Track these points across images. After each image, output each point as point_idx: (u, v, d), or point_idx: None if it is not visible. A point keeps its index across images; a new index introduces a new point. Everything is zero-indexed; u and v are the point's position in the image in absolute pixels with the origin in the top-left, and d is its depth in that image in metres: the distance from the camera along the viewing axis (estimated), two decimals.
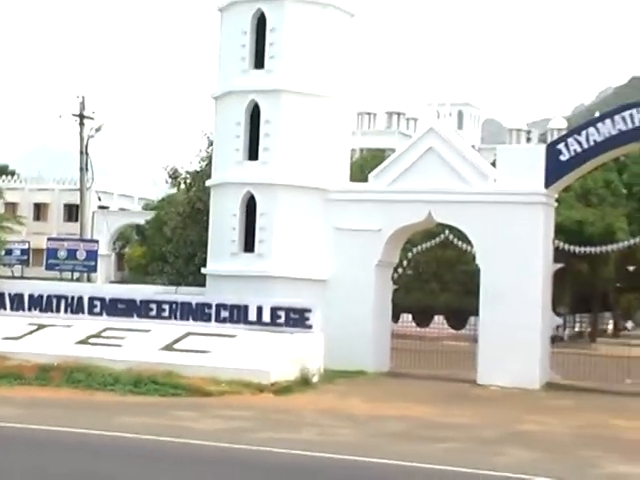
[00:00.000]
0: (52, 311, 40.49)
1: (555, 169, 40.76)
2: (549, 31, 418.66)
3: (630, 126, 40.00)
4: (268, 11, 42.28)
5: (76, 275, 60.65)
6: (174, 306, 39.55)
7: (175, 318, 39.14)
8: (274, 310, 38.09)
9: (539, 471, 22.31)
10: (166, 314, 39.39)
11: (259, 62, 42.57)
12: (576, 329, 65.51)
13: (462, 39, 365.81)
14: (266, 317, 38.11)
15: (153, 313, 39.60)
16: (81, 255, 58.61)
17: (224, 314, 38.66)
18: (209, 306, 39.06)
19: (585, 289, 64.19)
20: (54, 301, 40.70)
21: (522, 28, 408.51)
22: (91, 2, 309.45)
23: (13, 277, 71.55)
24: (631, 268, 63.39)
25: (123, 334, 37.88)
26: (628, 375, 41.39)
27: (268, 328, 37.75)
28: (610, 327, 72.67)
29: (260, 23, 42.53)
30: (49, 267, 60.38)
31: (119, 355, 35.79)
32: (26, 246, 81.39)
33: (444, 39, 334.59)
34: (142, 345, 36.68)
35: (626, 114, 40.28)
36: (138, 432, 23.56)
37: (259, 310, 38.20)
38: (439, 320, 61.76)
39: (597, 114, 47.05)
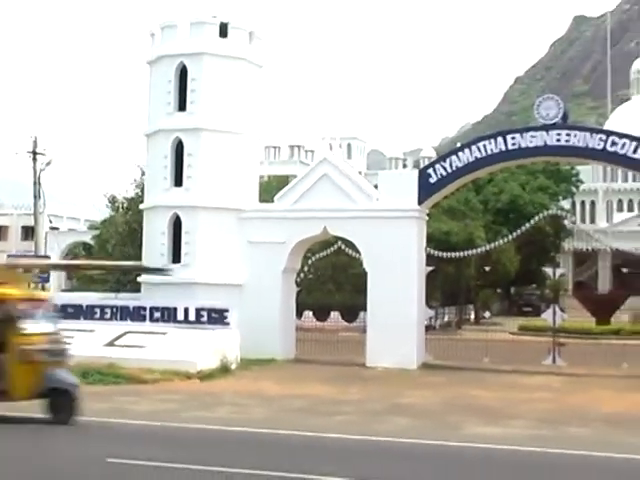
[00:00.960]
0: None
1: (426, 190, 41.24)
2: (422, 75, 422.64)
3: (484, 154, 40.70)
4: (189, 64, 42.35)
5: (32, 285, 60.00)
6: (114, 309, 39.60)
7: (115, 319, 39.12)
8: (198, 311, 38.26)
9: (415, 434, 22.87)
10: (108, 316, 39.34)
11: (182, 106, 42.58)
12: (445, 319, 66.02)
13: (352, 82, 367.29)
14: (191, 317, 38.29)
15: (97, 315, 39.49)
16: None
17: (156, 315, 38.75)
18: (144, 309, 39.09)
19: (452, 286, 64.87)
20: None
21: (399, 72, 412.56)
22: (39, 52, 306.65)
23: None
24: (487, 268, 64.27)
25: (72, 334, 37.02)
26: (486, 355, 41.81)
27: (193, 326, 37.94)
28: (472, 316, 73.33)
29: (182, 73, 42.57)
30: None
31: (70, 351, 35.57)
32: None
33: (337, 82, 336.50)
34: (88, 342, 36.37)
35: (480, 145, 41.01)
36: (88, 415, 23.41)
37: (186, 311, 38.35)
38: (335, 315, 61.91)
39: (458, 144, 47.58)
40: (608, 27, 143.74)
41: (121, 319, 39.09)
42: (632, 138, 40.33)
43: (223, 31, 42.92)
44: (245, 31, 43.70)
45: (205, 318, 38.22)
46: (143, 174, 51.22)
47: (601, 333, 55.46)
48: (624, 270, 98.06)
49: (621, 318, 61.62)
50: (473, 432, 23.83)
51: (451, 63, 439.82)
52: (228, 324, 38.14)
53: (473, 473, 19.06)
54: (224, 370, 36.13)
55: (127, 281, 51.10)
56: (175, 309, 38.62)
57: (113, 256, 60.87)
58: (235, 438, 22.48)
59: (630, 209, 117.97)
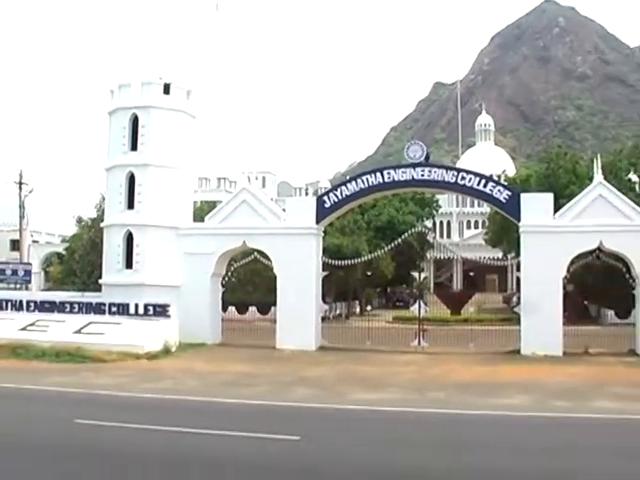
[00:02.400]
0: (2, 309, 39.57)
1: (322, 212, 41.41)
2: (321, 122, 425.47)
3: (367, 185, 41.14)
4: (140, 114, 42.00)
5: (18, 286, 59.00)
6: (81, 305, 39.10)
7: (82, 313, 38.53)
8: (146, 306, 38.05)
9: (314, 400, 22.92)
10: (76, 310, 38.75)
11: (134, 146, 42.14)
12: (337, 312, 66.12)
13: (266, 127, 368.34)
14: (141, 311, 38.01)
15: (67, 309, 38.90)
16: (21, 273, 57.29)
17: (114, 309, 38.36)
18: (104, 304, 38.68)
19: (342, 287, 65.14)
20: (3, 303, 39.84)
21: (303, 120, 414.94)
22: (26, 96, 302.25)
23: None
24: (369, 273, 64.76)
25: (48, 323, 37.28)
26: (368, 339, 42.03)
27: (142, 318, 37.70)
28: (358, 310, 73.57)
29: (135, 122, 42.16)
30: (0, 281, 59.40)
31: (46, 337, 35.37)
32: None
33: (255, 127, 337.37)
34: (60, 330, 36.21)
35: (364, 178, 41.45)
36: (59, 386, 23.18)
37: (136, 306, 38.08)
38: (252, 309, 61.83)
39: (347, 177, 47.87)
40: (458, 91, 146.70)
41: (86, 312, 38.52)
42: (476, 174, 41.06)
43: (166, 89, 42.69)
44: (184, 89, 43.54)
45: (151, 312, 37.99)
46: (103, 199, 50.61)
47: (454, 321, 56.14)
48: (471, 274, 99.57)
49: (469, 310, 62.49)
50: (358, 397, 24.03)
51: (343, 114, 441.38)
52: (169, 316, 37.98)
53: (356, 427, 19.29)
54: (166, 352, 35.90)
55: (90, 283, 50.50)
56: (128, 305, 38.27)
57: (80, 263, 60.70)
58: (174, 404, 22.43)
59: (476, 227, 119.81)
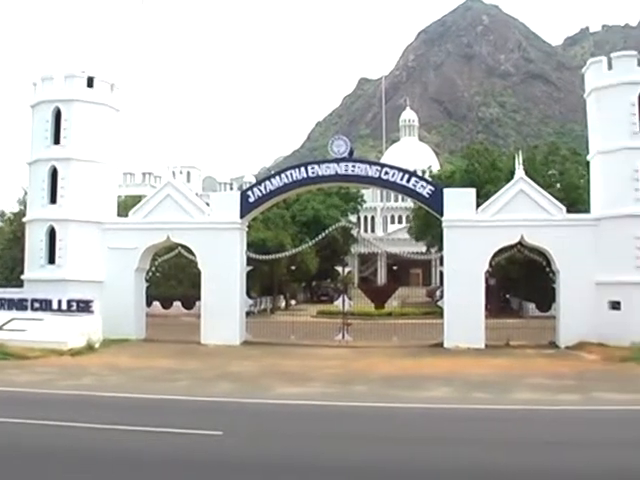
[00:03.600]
0: None
1: (246, 207, 41.42)
2: (248, 116, 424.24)
3: (291, 180, 41.31)
4: (62, 107, 41.39)
5: None
6: (2, 301, 38.61)
7: (3, 309, 38.07)
8: (69, 302, 37.74)
9: (238, 394, 22.98)
10: None
11: (57, 140, 41.51)
12: (262, 306, 66.14)
13: (192, 121, 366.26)
14: (64, 306, 37.69)
15: None
16: None
17: (36, 305, 37.99)
18: (26, 300, 38.24)
19: (267, 281, 65.15)
20: None
21: (230, 113, 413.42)
22: None
23: None
24: (294, 267, 64.92)
25: None
26: (293, 333, 42.19)
27: (65, 314, 37.33)
28: (283, 304, 73.70)
29: (57, 115, 41.54)
30: None
31: None
32: None
33: (180, 121, 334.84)
34: None
35: (288, 172, 41.72)
36: None
37: (59, 302, 37.73)
38: (177, 304, 61.55)
39: (272, 172, 47.92)
40: (383, 87, 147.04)
41: (8, 309, 37.98)
42: (399, 169, 41.50)
43: (90, 83, 42.14)
44: (107, 83, 43.03)
45: (74, 307, 37.65)
46: (26, 194, 49.77)
47: (378, 315, 56.44)
48: (395, 268, 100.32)
49: (393, 304, 63.00)
50: (281, 392, 24.17)
51: (269, 109, 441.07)
52: (92, 312, 37.70)
53: (279, 422, 19.39)
54: (89, 348, 35.57)
55: (12, 278, 49.57)
56: (51, 300, 37.83)
57: (2, 258, 59.41)
58: (96, 400, 22.28)
59: (400, 222, 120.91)
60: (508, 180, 42.56)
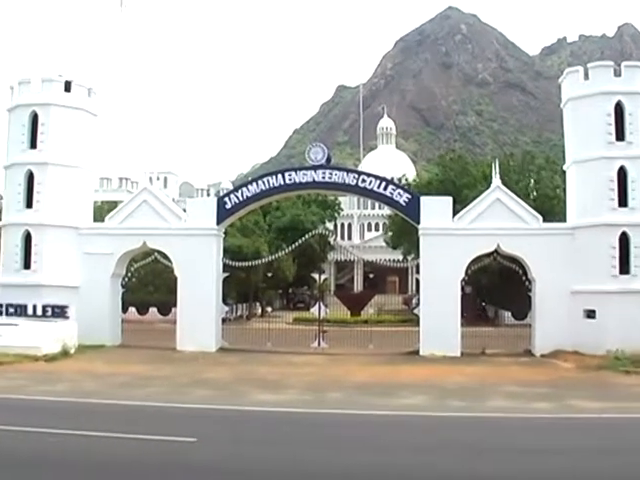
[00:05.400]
0: None
1: (223, 213, 41.40)
2: (225, 123, 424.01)
3: (268, 187, 41.41)
4: (39, 112, 41.19)
5: None
6: None
7: None
8: (44, 307, 37.62)
9: (213, 401, 22.96)
10: None
11: (33, 144, 41.30)
12: (238, 313, 66.02)
13: (169, 127, 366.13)
14: (39, 312, 37.56)
15: None
16: None
17: (11, 310, 37.80)
18: (1, 305, 38.17)
19: (243, 288, 65.00)
20: None
21: (207, 119, 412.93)
22: None
23: None
24: (270, 274, 64.86)
25: None
26: (269, 340, 42.16)
27: (40, 319, 37.12)
28: (259, 311, 73.55)
29: (34, 119, 41.34)
30: None
31: None
32: None
33: (157, 127, 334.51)
34: None
35: (265, 179, 41.82)
36: None
37: (34, 307, 37.59)
38: (153, 310, 61.39)
39: (249, 179, 47.90)
40: (361, 95, 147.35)
41: None
42: (376, 177, 41.61)
43: (67, 87, 41.98)
44: (85, 88, 42.89)
45: (49, 313, 37.51)
46: (1, 198, 49.52)
47: (354, 322, 56.39)
48: (371, 275, 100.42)
49: (369, 311, 63.06)
50: (257, 399, 24.13)
51: (247, 115, 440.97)
52: (68, 317, 37.59)
53: (254, 428, 19.39)
54: (64, 354, 35.33)
55: None
56: (26, 306, 37.65)
57: None
58: (69, 406, 22.17)
59: (377, 229, 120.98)
60: (482, 184, 42.79)
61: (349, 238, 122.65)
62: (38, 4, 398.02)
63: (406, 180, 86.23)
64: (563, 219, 40.85)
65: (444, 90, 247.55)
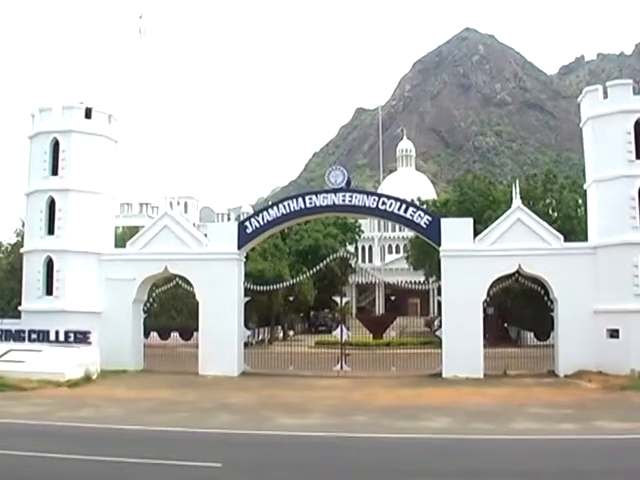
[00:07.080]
0: None
1: (244, 237, 41.54)
2: (245, 147, 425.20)
3: (288, 210, 41.54)
4: (60, 139, 41.68)
5: None
6: (0, 332, 38.46)
7: (1, 340, 38.14)
8: (67, 333, 37.80)
9: (237, 426, 22.86)
10: None
11: (54, 171, 41.76)
12: (260, 337, 65.96)
13: (189, 153, 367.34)
14: (61, 337, 37.79)
15: None
16: None
17: (34, 336, 38.06)
18: (24, 332, 38.36)
19: (265, 312, 65.01)
20: None
21: (228, 144, 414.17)
22: None
23: None
24: (292, 298, 64.76)
25: None
26: (291, 364, 42.07)
27: (63, 345, 37.38)
28: (281, 335, 73.44)
29: (55, 146, 41.86)
30: None
31: None
32: None
33: (178, 153, 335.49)
34: None
35: (285, 203, 42.01)
36: None
37: (57, 333, 37.81)
38: (175, 335, 61.38)
39: (269, 203, 47.95)
40: (380, 117, 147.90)
41: (5, 340, 38.14)
42: (396, 199, 41.62)
43: (88, 114, 42.42)
44: (105, 114, 43.31)
45: (72, 338, 37.70)
46: (23, 225, 49.80)
47: (376, 345, 56.29)
48: (393, 298, 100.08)
49: (391, 334, 62.81)
50: (281, 423, 24.07)
51: (267, 140, 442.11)
52: (90, 343, 37.70)
53: (279, 453, 19.31)
54: (87, 379, 35.47)
55: (10, 309, 49.51)
56: (48, 332, 37.88)
57: None
58: (93, 432, 22.17)
59: (397, 251, 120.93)
60: (506, 204, 42.65)
61: (370, 261, 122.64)
62: (59, 32, 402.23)
63: (420, 201, 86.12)
64: (585, 239, 40.68)
65: (463, 111, 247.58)
